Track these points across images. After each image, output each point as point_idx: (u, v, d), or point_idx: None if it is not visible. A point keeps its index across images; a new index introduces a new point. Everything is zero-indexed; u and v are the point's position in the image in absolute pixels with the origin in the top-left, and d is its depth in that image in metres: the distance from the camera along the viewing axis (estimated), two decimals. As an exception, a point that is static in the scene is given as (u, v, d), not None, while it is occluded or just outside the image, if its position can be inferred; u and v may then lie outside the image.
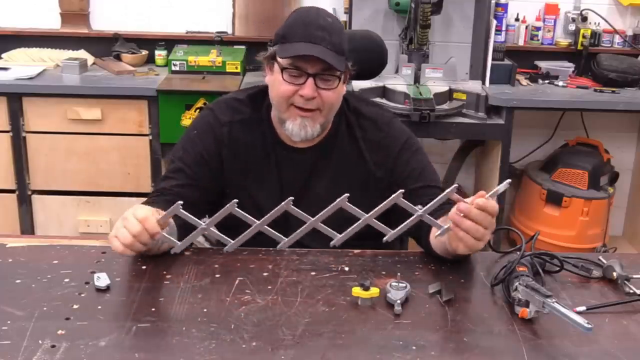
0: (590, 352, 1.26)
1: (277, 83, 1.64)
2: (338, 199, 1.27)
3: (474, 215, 1.37)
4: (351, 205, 1.29)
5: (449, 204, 1.41)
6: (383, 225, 1.35)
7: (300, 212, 1.30)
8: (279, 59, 1.63)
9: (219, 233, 1.35)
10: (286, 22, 1.68)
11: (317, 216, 1.30)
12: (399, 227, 1.35)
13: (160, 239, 1.43)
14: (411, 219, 1.34)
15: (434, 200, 1.33)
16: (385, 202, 1.30)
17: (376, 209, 1.31)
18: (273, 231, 1.33)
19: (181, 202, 1.31)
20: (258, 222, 1.31)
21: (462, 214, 1.38)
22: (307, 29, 1.61)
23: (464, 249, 1.44)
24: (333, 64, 1.59)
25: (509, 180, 1.37)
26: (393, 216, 1.75)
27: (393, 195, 1.29)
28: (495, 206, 1.40)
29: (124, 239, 1.39)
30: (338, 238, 1.33)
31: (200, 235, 1.34)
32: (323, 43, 1.59)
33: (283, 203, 1.27)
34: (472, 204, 1.37)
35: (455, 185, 1.32)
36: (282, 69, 1.62)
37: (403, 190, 1.29)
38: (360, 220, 1.32)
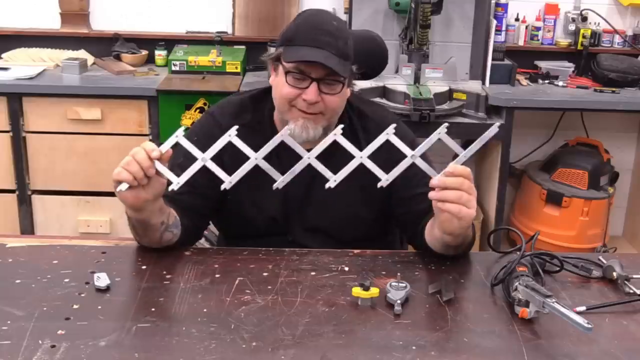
0: (590, 352, 1.26)
1: (280, 85, 1.63)
2: (331, 133, 1.31)
3: (450, 183, 1.41)
4: (345, 140, 1.33)
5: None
6: (378, 169, 1.37)
7: (298, 145, 1.34)
8: (283, 62, 1.63)
9: (217, 167, 1.39)
10: (293, 23, 1.67)
11: (311, 151, 1.33)
12: (392, 171, 1.37)
13: (159, 171, 1.43)
14: (403, 162, 1.37)
15: (424, 142, 1.36)
16: (376, 140, 1.34)
17: (369, 146, 1.34)
18: (269, 165, 1.36)
19: (183, 127, 1.36)
20: (255, 154, 1.35)
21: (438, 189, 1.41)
22: (314, 33, 1.60)
23: (459, 222, 1.43)
24: (337, 70, 1.58)
25: (498, 124, 1.38)
26: (393, 218, 1.76)
27: (385, 131, 1.33)
28: (466, 168, 1.42)
29: (123, 160, 1.42)
30: (333, 179, 1.37)
31: (200, 166, 1.39)
32: (328, 48, 1.58)
33: (281, 132, 1.30)
34: (445, 173, 1.41)
35: (446, 124, 1.36)
36: (286, 72, 1.61)
37: (395, 124, 1.34)
38: (354, 159, 1.34)
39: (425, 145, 1.32)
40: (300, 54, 1.59)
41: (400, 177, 1.72)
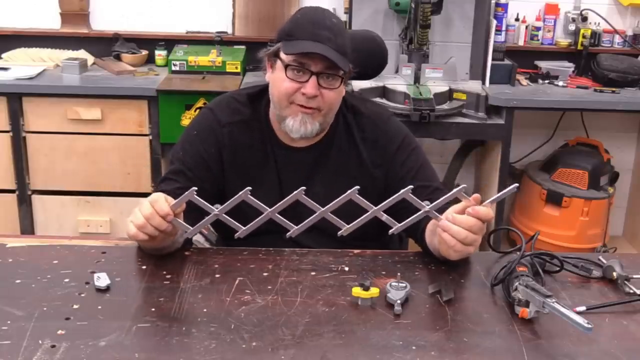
0: (590, 352, 1.26)
1: (279, 80, 1.64)
2: (349, 191, 1.29)
3: (459, 221, 1.40)
4: (360, 198, 1.32)
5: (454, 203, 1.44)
6: (390, 219, 1.37)
7: (311, 201, 1.32)
8: (282, 56, 1.63)
9: (230, 219, 1.36)
10: (292, 19, 1.69)
11: (327, 206, 1.32)
12: (405, 221, 1.37)
13: (174, 225, 1.42)
14: (417, 214, 1.37)
15: (442, 198, 1.36)
16: (394, 197, 1.33)
17: (385, 202, 1.33)
18: (283, 219, 1.35)
19: (195, 188, 1.32)
20: (270, 209, 1.32)
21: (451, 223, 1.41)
22: (314, 28, 1.61)
23: (455, 254, 1.45)
24: (337, 62, 1.59)
25: (515, 185, 1.38)
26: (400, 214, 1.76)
27: (402, 191, 1.32)
28: (489, 213, 1.41)
29: (136, 220, 1.41)
30: (346, 228, 1.36)
31: (213, 220, 1.36)
32: (328, 43, 1.60)
33: (295, 192, 1.29)
34: (466, 211, 1.40)
35: (464, 185, 1.35)
36: (286, 66, 1.62)
37: (412, 187, 1.32)
38: (369, 212, 1.34)
39: (441, 201, 1.35)
40: (301, 47, 1.60)
41: (396, 172, 1.72)
